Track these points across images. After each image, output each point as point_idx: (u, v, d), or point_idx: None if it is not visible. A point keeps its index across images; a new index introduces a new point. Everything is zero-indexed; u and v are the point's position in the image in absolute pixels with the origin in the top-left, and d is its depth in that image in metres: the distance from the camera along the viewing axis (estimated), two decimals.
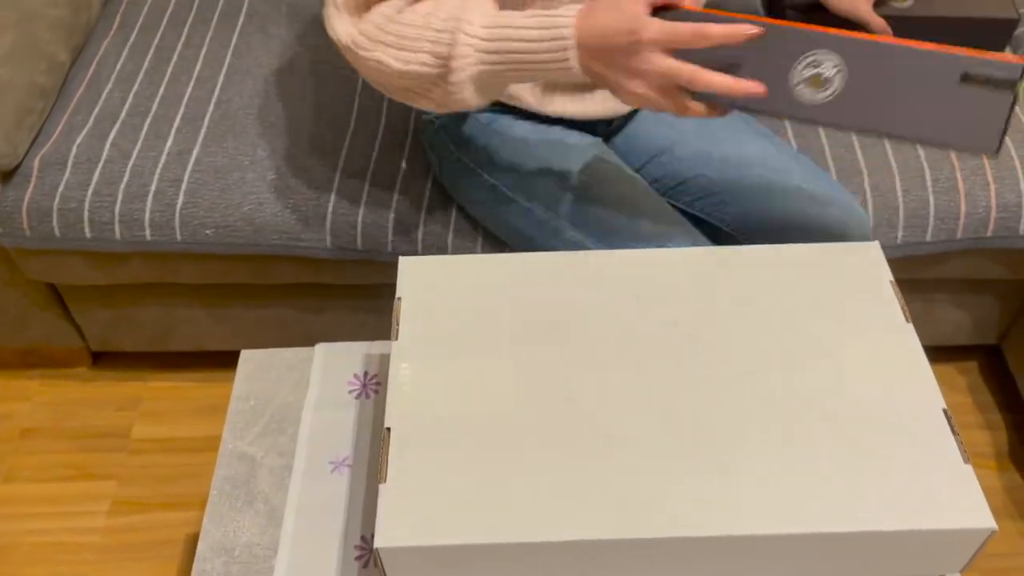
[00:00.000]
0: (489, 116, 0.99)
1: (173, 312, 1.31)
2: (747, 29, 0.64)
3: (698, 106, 0.70)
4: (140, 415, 1.41)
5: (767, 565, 0.59)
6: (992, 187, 1.12)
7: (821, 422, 0.62)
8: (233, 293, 1.28)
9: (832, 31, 0.62)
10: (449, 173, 1.06)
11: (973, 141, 0.59)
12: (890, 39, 0.60)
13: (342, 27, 0.76)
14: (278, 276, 1.21)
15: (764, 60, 0.64)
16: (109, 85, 1.25)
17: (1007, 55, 0.57)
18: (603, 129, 1.04)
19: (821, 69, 0.61)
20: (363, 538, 0.73)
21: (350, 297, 1.28)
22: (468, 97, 0.77)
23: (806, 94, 0.60)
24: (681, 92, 0.69)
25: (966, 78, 0.57)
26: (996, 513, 1.28)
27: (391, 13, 0.75)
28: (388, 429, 0.63)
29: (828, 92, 0.60)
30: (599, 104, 0.98)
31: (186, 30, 1.33)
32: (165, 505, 1.30)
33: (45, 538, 1.27)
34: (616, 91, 0.72)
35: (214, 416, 1.40)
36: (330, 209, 1.13)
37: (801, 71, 0.61)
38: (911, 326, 0.68)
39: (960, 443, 0.61)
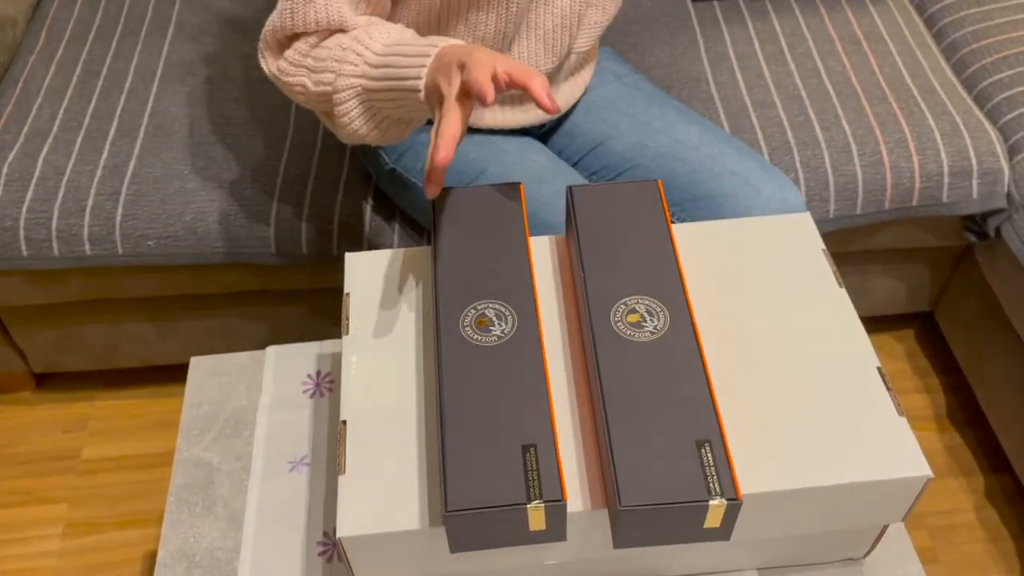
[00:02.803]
0: (419, 127, 1.00)
1: (118, 328, 1.29)
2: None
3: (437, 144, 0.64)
4: (89, 435, 1.38)
5: None
6: (915, 159, 1.16)
7: (760, 385, 0.64)
8: (179, 305, 1.26)
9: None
10: (387, 183, 1.08)
11: None
12: None
13: (269, 60, 0.82)
14: (224, 285, 1.21)
15: None
16: (38, 101, 1.23)
17: None
18: (536, 131, 1.06)
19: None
20: (325, 534, 0.73)
21: (298, 302, 1.28)
22: (359, 126, 0.77)
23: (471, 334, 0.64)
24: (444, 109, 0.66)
25: None
26: (939, 472, 1.33)
27: (305, 48, 0.79)
28: (344, 422, 0.64)
29: (493, 336, 0.64)
30: (529, 114, 1.00)
31: (115, 43, 1.31)
32: (121, 524, 1.28)
33: (0, 565, 1.24)
34: (432, 90, 0.69)
35: (165, 431, 1.38)
36: (273, 215, 1.12)
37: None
38: (844, 291, 0.71)
39: (894, 398, 0.64)
